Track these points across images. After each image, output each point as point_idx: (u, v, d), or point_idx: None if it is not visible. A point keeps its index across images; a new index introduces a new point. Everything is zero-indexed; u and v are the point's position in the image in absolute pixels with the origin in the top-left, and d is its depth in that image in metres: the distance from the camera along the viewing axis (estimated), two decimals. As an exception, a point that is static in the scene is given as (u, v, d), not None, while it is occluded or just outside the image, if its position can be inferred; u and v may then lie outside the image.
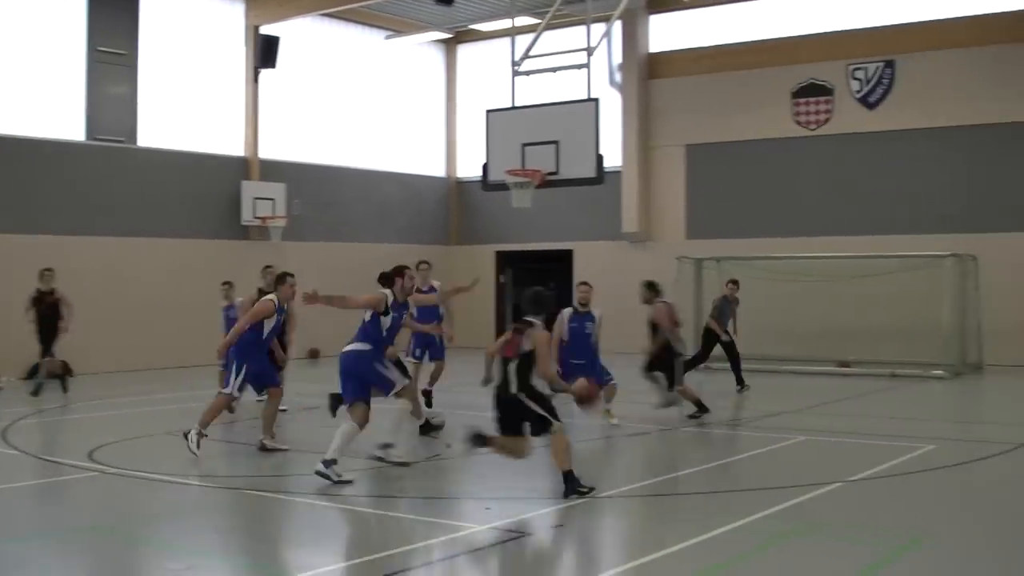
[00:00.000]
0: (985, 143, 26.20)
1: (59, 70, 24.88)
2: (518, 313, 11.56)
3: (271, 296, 13.87)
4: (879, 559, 8.72)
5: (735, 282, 20.92)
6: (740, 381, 20.03)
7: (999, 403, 20.49)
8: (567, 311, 15.76)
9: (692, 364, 19.61)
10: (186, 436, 13.37)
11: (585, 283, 16.22)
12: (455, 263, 33.73)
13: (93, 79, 25.29)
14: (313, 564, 8.59)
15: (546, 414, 10.98)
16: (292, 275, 14.31)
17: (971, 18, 26.48)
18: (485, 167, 19.83)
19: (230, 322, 17.78)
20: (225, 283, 19.00)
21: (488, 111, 20.17)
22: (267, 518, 10.59)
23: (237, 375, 13.63)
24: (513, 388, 11.05)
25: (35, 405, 18.76)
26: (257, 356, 13.86)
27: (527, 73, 19.56)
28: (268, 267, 18.02)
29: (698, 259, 27.09)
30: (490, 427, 11.30)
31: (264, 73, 28.46)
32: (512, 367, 11.04)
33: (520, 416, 11.09)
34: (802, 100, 28.47)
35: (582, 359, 15.49)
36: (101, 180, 25.30)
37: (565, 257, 31.74)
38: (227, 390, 13.74)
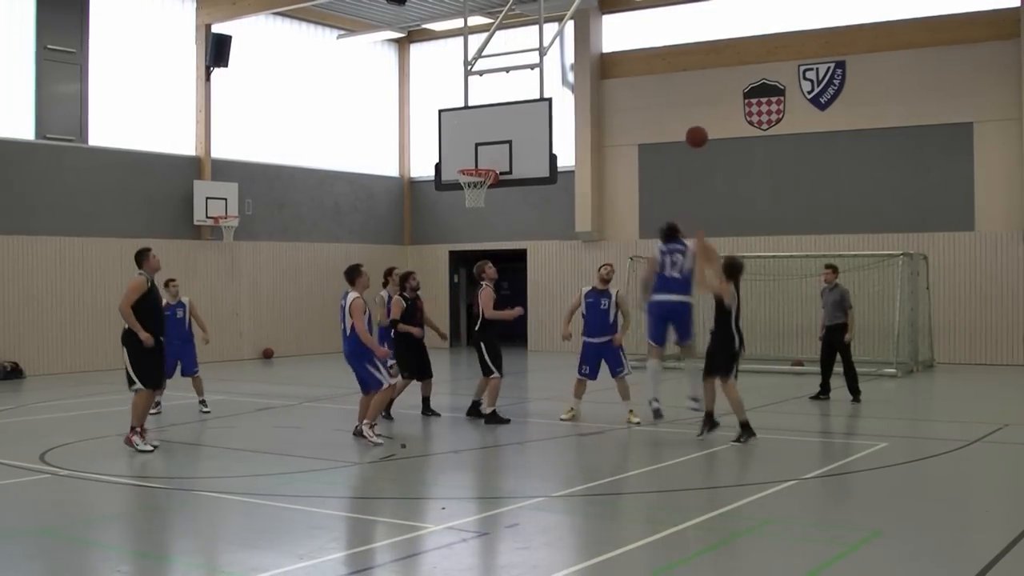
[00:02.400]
0: (934, 143, 26.45)
1: (7, 69, 24.63)
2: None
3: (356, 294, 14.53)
4: (833, 556, 8.77)
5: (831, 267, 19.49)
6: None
7: (950, 401, 20.66)
8: (585, 287, 16.72)
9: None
10: (361, 434, 14.55)
11: (609, 264, 17.13)
12: (409, 263, 33.70)
13: (42, 78, 25.05)
14: (268, 565, 8.54)
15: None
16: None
17: (919, 20, 26.75)
18: (438, 167, 19.78)
19: (175, 322, 17.62)
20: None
21: (441, 111, 20.12)
22: (222, 519, 10.52)
23: (377, 369, 14.50)
24: None
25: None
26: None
27: (480, 73, 19.53)
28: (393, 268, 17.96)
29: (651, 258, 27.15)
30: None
31: (216, 72, 28.30)
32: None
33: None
34: (754, 100, 28.62)
35: (601, 336, 16.39)
36: (51, 179, 25.06)
37: (519, 256, 31.77)
38: (386, 383, 14.56)
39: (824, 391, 18.91)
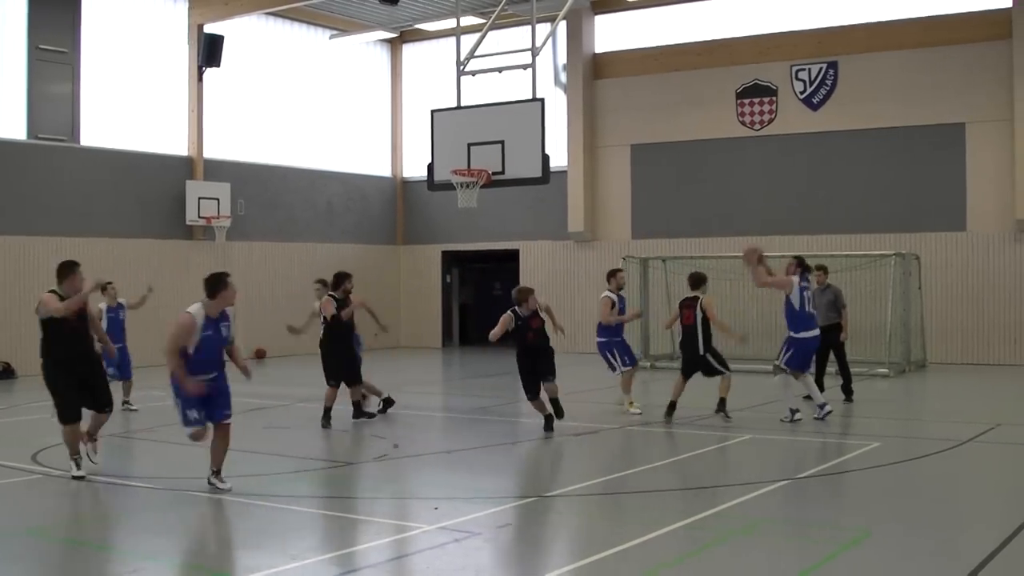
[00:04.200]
0: (926, 143, 26.46)
1: (-1, 68, 24.63)
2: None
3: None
4: (824, 556, 8.78)
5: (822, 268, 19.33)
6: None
7: (943, 400, 20.65)
8: (612, 295, 17.35)
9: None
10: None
11: (621, 269, 18.35)
12: (401, 263, 33.72)
13: (34, 77, 25.00)
14: (261, 565, 8.53)
15: (721, 368, 16.07)
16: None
17: (912, 20, 26.76)
18: (430, 167, 19.80)
19: (117, 324, 18.00)
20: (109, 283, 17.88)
21: (433, 111, 20.14)
22: (215, 520, 10.52)
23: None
24: (700, 350, 15.94)
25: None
26: None
27: (472, 73, 19.54)
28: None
29: (644, 258, 27.17)
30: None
31: (208, 72, 28.26)
32: (695, 332, 15.93)
33: (704, 369, 16.10)
34: (746, 100, 28.63)
35: (621, 335, 17.58)
36: (43, 179, 25.01)
37: (511, 257, 31.76)
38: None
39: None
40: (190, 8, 28.15)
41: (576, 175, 30.37)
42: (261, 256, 29.82)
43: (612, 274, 17.59)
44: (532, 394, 15.42)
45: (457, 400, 17.64)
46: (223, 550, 9.36)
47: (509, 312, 15.41)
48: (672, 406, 16.10)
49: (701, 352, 16.02)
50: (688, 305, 16.14)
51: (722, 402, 16.12)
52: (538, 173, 18.73)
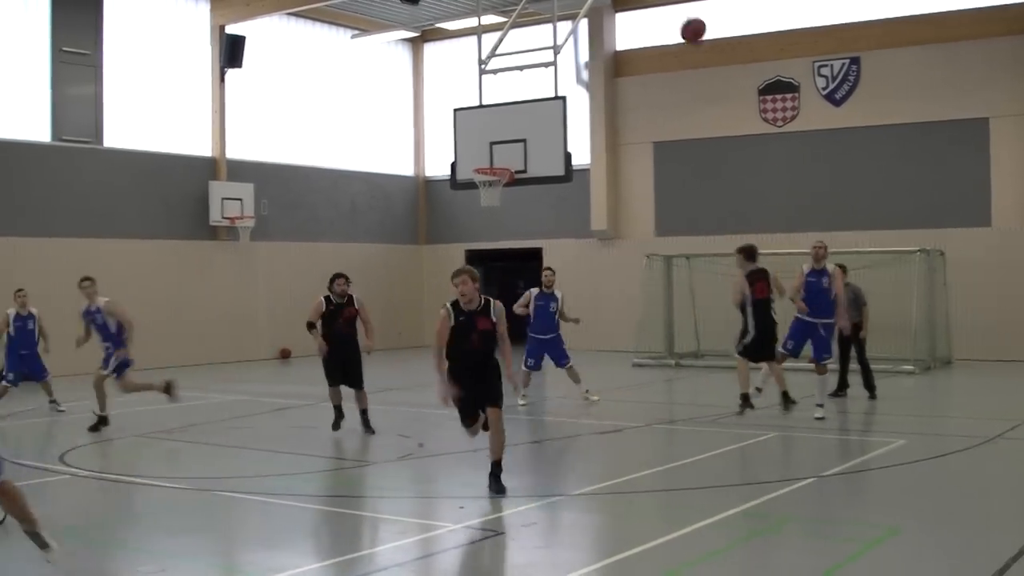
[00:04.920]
0: (950, 139, 26.33)
1: (23, 71, 24.70)
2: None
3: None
4: (849, 555, 8.75)
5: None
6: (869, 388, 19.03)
7: (968, 397, 20.58)
8: (534, 290, 18.10)
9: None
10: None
11: (550, 268, 18.60)
12: (424, 262, 33.74)
13: (58, 80, 25.11)
14: (287, 565, 8.55)
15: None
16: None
17: (934, 15, 26.63)
18: (453, 166, 19.82)
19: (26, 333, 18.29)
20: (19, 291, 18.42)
21: (456, 110, 20.16)
22: (240, 519, 10.54)
23: None
24: (774, 316, 15.99)
25: (6, 408, 18.39)
26: None
27: (494, 71, 19.56)
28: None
29: (667, 256, 27.13)
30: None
31: (230, 73, 28.34)
32: (770, 301, 15.94)
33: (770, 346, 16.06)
34: (769, 97, 28.55)
35: (548, 334, 18.05)
36: (67, 181, 25.12)
37: (534, 255, 31.74)
38: None
39: (841, 388, 18.88)
40: (212, 9, 28.24)
41: (599, 173, 30.35)
42: (284, 256, 29.89)
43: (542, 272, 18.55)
44: (468, 421, 11.54)
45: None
46: (249, 549, 9.39)
47: (446, 307, 11.69)
48: (786, 396, 15.97)
49: (775, 319, 16.09)
50: (760, 277, 16.03)
51: (785, 395, 15.99)
52: (561, 171, 18.75)
